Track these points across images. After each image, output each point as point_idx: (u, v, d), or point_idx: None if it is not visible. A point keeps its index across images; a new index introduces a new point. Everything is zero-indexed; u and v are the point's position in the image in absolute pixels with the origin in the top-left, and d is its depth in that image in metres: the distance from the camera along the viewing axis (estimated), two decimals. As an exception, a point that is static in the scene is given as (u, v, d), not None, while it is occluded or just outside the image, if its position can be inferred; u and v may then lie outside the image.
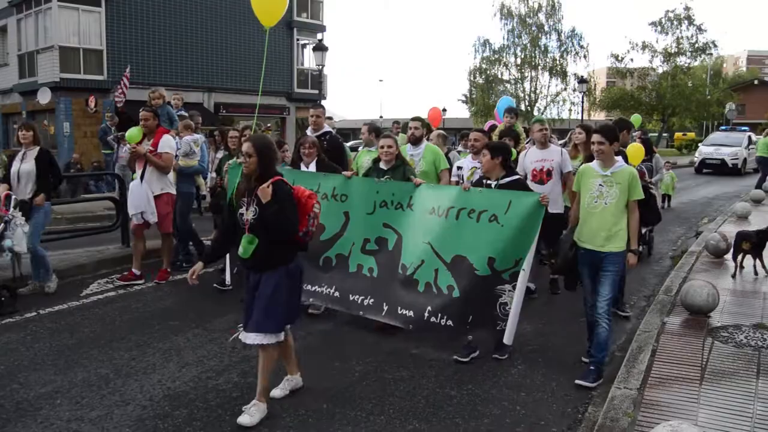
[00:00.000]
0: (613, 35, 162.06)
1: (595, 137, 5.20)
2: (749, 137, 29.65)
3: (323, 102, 28.15)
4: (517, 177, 5.98)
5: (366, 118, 25.05)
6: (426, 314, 5.72)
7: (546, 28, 45.06)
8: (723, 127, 35.36)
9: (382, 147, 6.47)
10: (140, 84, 23.73)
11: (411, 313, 5.81)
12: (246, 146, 4.40)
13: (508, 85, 46.24)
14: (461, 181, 7.07)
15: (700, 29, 43.07)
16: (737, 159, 28.19)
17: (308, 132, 8.13)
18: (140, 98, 22.47)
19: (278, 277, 4.31)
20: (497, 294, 5.49)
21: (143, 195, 7.91)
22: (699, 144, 34.28)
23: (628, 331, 6.52)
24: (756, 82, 60.51)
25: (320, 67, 25.32)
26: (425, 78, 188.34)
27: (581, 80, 37.45)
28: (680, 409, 4.40)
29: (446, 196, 6.00)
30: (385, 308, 5.97)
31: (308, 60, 32.25)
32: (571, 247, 5.41)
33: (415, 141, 7.48)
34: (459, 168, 7.49)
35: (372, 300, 6.08)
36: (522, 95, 45.69)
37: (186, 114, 11.74)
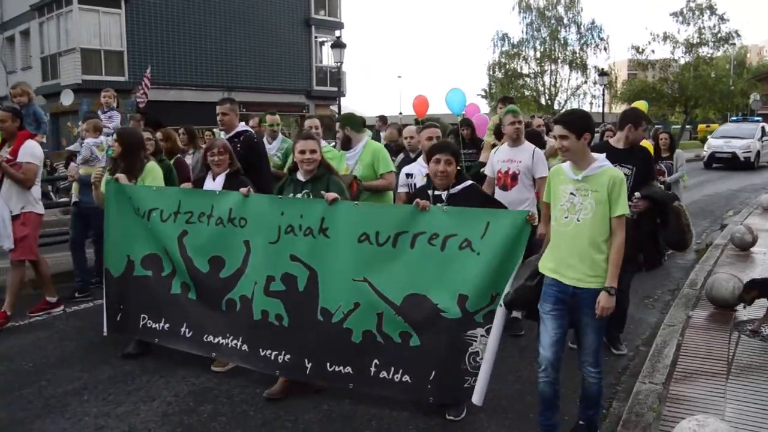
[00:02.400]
0: (634, 27, 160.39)
1: (556, 129, 3.88)
2: (763, 128, 27.77)
3: (342, 99, 28.21)
4: (470, 183, 4.70)
5: (385, 114, 25.10)
6: (372, 369, 4.48)
7: (565, 20, 44.72)
8: (734, 118, 33.54)
9: (303, 152, 4.90)
10: (161, 84, 24.05)
11: (349, 370, 4.55)
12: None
13: (527, 79, 45.97)
14: (411, 191, 5.60)
15: (722, 19, 42.38)
16: (750, 152, 26.11)
17: (221, 134, 6.70)
18: (161, 98, 22.93)
19: None
20: (467, 341, 4.29)
21: None
22: (708, 136, 31.72)
23: (653, 325, 6.46)
24: (781, 71, 59.46)
25: (339, 64, 25.35)
26: (444, 73, 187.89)
27: (602, 73, 37.13)
28: (706, 403, 4.36)
29: (390, 217, 4.57)
30: (309, 366, 4.65)
31: (327, 57, 32.31)
32: (534, 274, 4.04)
33: (345, 143, 6.23)
34: (408, 175, 5.99)
35: (288, 357, 4.73)
36: (542, 89, 45.42)
37: (117, 113, 10.42)
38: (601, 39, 44.86)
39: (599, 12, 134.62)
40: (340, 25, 33.17)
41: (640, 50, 43.92)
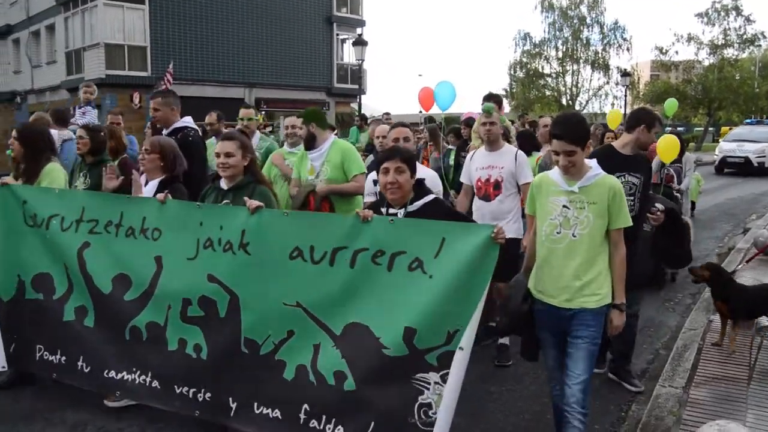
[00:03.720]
0: (658, 27, 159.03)
1: (559, 145, 3.40)
2: None
3: (363, 97, 28.23)
4: (432, 198, 3.84)
5: (405, 113, 24.93)
6: (302, 415, 3.68)
7: (588, 20, 44.45)
8: (748, 120, 31.30)
9: (218, 155, 4.23)
10: (183, 80, 24.21)
11: (278, 414, 3.76)
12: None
13: (549, 79, 45.76)
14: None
15: (748, 20, 41.93)
16: (764, 157, 24.15)
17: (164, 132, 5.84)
18: (183, 94, 23.02)
19: None
20: (416, 387, 3.42)
21: None
22: (720, 140, 29.47)
23: (673, 328, 6.41)
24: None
25: (360, 61, 25.36)
26: (465, 72, 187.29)
27: (624, 73, 36.85)
28: (727, 408, 4.32)
29: (327, 229, 3.75)
30: (234, 407, 3.88)
31: (348, 55, 32.33)
32: (525, 297, 3.63)
33: (309, 142, 5.44)
34: (376, 182, 4.81)
35: (209, 395, 3.96)
36: (563, 89, 45.18)
37: (92, 109, 9.69)
38: (624, 39, 44.59)
39: (623, 12, 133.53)
40: (361, 23, 33.17)
41: (664, 51, 43.57)
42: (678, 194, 8.25)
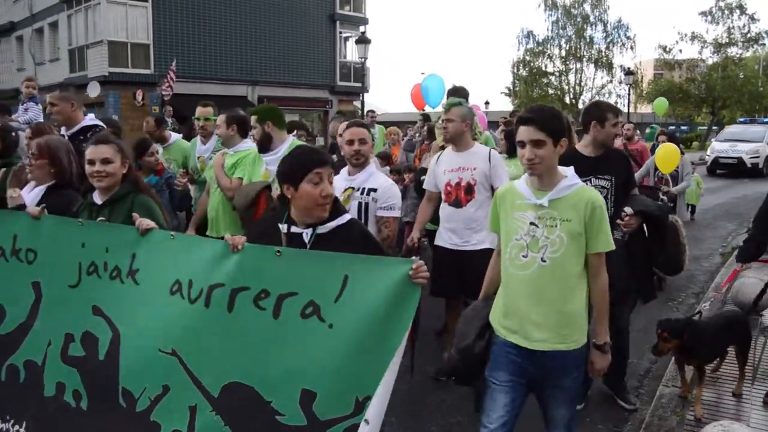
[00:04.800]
0: (661, 26, 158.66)
1: (526, 132, 2.82)
2: None
3: (366, 95, 28.22)
4: (348, 219, 3.04)
5: (408, 111, 24.90)
6: None
7: (591, 18, 44.37)
8: (741, 119, 30.25)
9: (91, 162, 3.42)
10: (186, 78, 24.23)
11: None
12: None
13: (552, 78, 45.69)
14: None
15: (752, 18, 41.96)
16: (758, 157, 23.10)
17: (62, 130, 5.24)
18: (186, 92, 23.11)
19: None
20: None
21: None
22: (713, 140, 28.28)
23: (676, 328, 6.38)
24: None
25: (363, 59, 25.34)
26: (468, 70, 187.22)
27: (628, 72, 36.76)
28: (731, 408, 4.31)
29: (204, 259, 2.88)
30: None
31: (351, 53, 32.30)
32: (482, 332, 3.01)
33: (263, 143, 4.83)
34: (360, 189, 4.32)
35: None
36: (566, 88, 45.10)
37: (35, 105, 8.91)
38: (628, 38, 44.49)
39: (626, 10, 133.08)
40: (364, 21, 33.15)
41: (668, 49, 43.55)
42: (664, 197, 7.64)
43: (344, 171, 4.31)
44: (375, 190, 4.14)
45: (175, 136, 6.98)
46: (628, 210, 4.13)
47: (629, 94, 38.21)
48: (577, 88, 45.20)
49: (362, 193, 4.19)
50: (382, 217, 4.16)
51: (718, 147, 24.15)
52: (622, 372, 4.64)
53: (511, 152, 5.99)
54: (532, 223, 2.83)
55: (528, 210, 2.85)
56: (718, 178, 21.59)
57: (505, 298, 2.96)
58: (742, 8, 41.74)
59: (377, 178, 4.21)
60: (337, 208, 3.02)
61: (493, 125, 11.66)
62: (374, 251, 2.90)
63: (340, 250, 2.75)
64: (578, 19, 44.25)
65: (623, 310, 4.35)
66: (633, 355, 5.44)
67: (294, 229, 2.93)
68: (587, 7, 44.23)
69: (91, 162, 3.42)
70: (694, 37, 42.69)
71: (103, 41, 24.73)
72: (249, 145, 5.19)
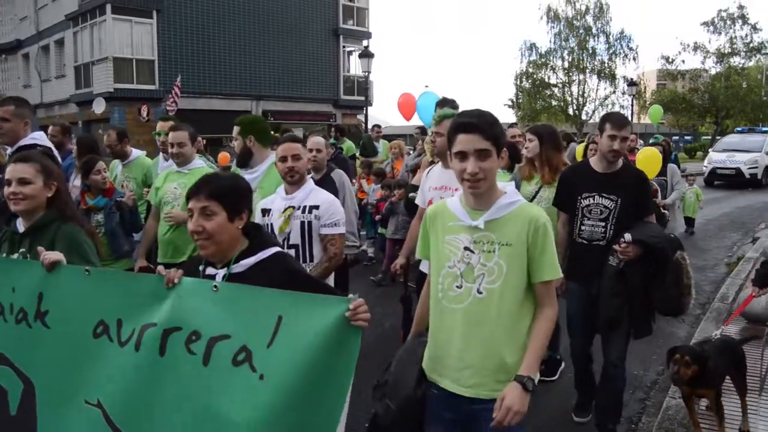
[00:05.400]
0: (664, 36, 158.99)
1: (467, 140, 2.38)
2: None
3: (369, 108, 28.31)
4: (274, 252, 2.60)
5: (412, 123, 25.10)
6: None
7: (594, 30, 44.41)
8: (739, 129, 29.51)
9: (8, 182, 3.05)
10: (191, 93, 24.38)
11: None
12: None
13: (555, 89, 45.75)
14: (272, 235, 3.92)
15: (755, 28, 42.02)
16: (756, 167, 22.35)
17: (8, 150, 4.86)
18: (191, 107, 23.24)
19: None
20: None
21: None
22: (710, 150, 27.55)
23: (683, 339, 6.37)
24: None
25: (366, 73, 25.46)
26: (471, 83, 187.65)
27: (631, 83, 36.81)
28: (739, 420, 4.29)
29: (134, 296, 2.52)
30: None
31: (354, 67, 32.45)
32: (420, 379, 2.61)
33: (243, 158, 4.59)
34: (265, 212, 4.01)
35: None
36: (570, 99, 45.14)
37: None
38: (631, 49, 44.49)
39: (628, 21, 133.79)
40: (368, 35, 33.32)
41: (670, 60, 43.63)
42: (665, 211, 7.51)
43: (281, 190, 3.98)
44: (317, 207, 3.90)
45: (136, 153, 6.37)
46: (626, 237, 3.84)
47: (632, 105, 38.23)
48: (581, 99, 45.20)
49: (303, 212, 3.90)
50: (327, 235, 3.91)
51: (715, 157, 23.35)
52: (614, 413, 4.21)
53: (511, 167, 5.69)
54: (466, 249, 2.44)
55: (462, 233, 2.46)
56: (717, 189, 21.31)
57: (436, 336, 2.54)
58: (744, 18, 41.84)
59: (318, 194, 3.98)
60: (261, 240, 2.59)
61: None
62: (312, 287, 2.47)
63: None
64: (581, 31, 44.32)
65: (615, 340, 4.06)
66: (638, 366, 5.45)
67: (210, 270, 2.52)
68: (589, 19, 44.32)
69: (8, 182, 3.04)
70: (696, 48, 42.79)
71: (109, 58, 24.93)
72: (200, 162, 4.94)
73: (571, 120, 41.20)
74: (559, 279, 2.51)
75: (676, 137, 48.66)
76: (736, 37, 42.29)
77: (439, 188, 4.35)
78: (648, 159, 7.23)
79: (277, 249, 2.65)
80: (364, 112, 27.88)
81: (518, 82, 46.44)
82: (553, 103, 45.18)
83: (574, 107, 44.57)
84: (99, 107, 21.76)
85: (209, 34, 26.89)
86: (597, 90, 45.87)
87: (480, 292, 2.41)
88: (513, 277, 2.40)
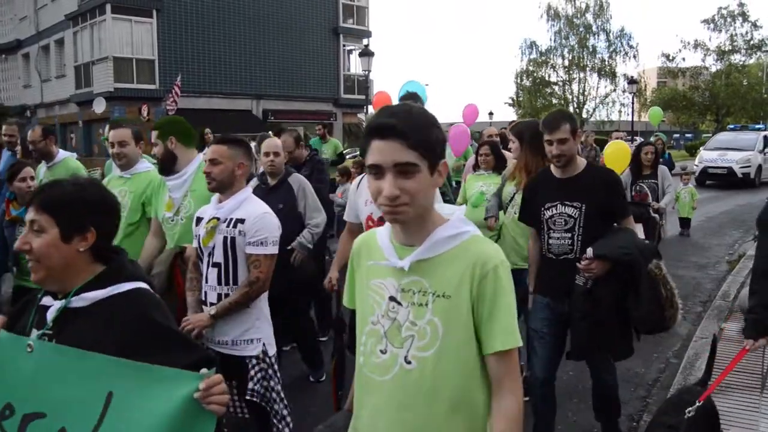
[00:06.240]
0: (664, 34, 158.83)
1: (389, 149, 1.63)
2: (765, 138, 22.70)
3: (370, 107, 28.31)
4: (129, 288, 1.96)
5: (412, 122, 25.07)
6: None
7: (594, 28, 44.47)
8: (731, 126, 28.41)
9: None
10: (191, 92, 24.38)
11: None
12: None
13: (555, 87, 45.78)
14: (200, 258, 3.46)
15: (755, 26, 41.99)
16: (749, 167, 21.22)
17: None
18: (191, 106, 23.23)
19: None
20: None
21: None
22: (701, 148, 26.27)
23: (684, 337, 6.36)
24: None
25: (366, 72, 25.45)
26: (471, 81, 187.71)
27: (631, 81, 36.78)
28: (740, 418, 4.29)
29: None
30: None
31: (354, 65, 32.45)
32: None
33: (166, 164, 4.01)
34: (199, 221, 3.48)
35: None
36: (570, 97, 45.17)
37: None
38: (631, 47, 44.57)
39: (629, 19, 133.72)
40: (368, 34, 33.30)
41: (671, 58, 43.61)
42: (656, 215, 7.02)
43: (215, 198, 3.46)
44: (243, 221, 3.30)
45: (63, 154, 5.61)
46: (588, 252, 3.38)
47: (633, 103, 38.23)
48: (581, 97, 45.26)
49: (228, 225, 3.32)
50: (251, 255, 3.30)
51: (706, 156, 22.12)
52: (611, 415, 3.95)
53: (498, 167, 5.42)
54: (392, 299, 1.75)
55: (388, 276, 1.77)
56: (708, 189, 20.43)
57: (358, 417, 1.88)
58: (744, 15, 41.80)
59: (248, 205, 3.37)
60: (118, 271, 1.99)
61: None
62: (151, 349, 1.83)
63: (96, 338, 1.82)
64: (581, 29, 44.35)
65: (596, 363, 3.78)
66: (640, 364, 5.44)
67: (46, 300, 1.97)
68: (589, 17, 44.37)
69: None
70: (697, 45, 42.75)
71: (109, 57, 24.94)
72: (146, 165, 4.34)
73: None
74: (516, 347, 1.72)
75: (677, 135, 48.66)
76: (736, 34, 42.27)
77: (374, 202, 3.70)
78: (615, 153, 6.88)
79: (137, 285, 2.00)
80: (365, 111, 27.90)
81: (519, 81, 46.51)
82: (554, 101, 45.19)
83: (575, 105, 44.59)
84: (99, 107, 21.73)
85: (209, 33, 26.90)
86: (597, 88, 46.00)
87: (408, 362, 1.71)
88: (453, 342, 1.69)
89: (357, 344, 1.87)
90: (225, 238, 3.32)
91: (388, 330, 1.76)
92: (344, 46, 32.30)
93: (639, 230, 5.52)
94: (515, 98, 47.55)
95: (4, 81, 34.63)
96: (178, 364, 1.79)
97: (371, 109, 30.32)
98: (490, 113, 41.18)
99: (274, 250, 3.38)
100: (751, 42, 42.29)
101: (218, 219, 3.34)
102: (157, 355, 1.79)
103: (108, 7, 24.82)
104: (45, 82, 31.16)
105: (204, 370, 1.76)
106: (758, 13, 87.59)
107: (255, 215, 3.35)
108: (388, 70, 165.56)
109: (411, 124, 1.64)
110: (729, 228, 13.33)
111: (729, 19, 42.14)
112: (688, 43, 43.02)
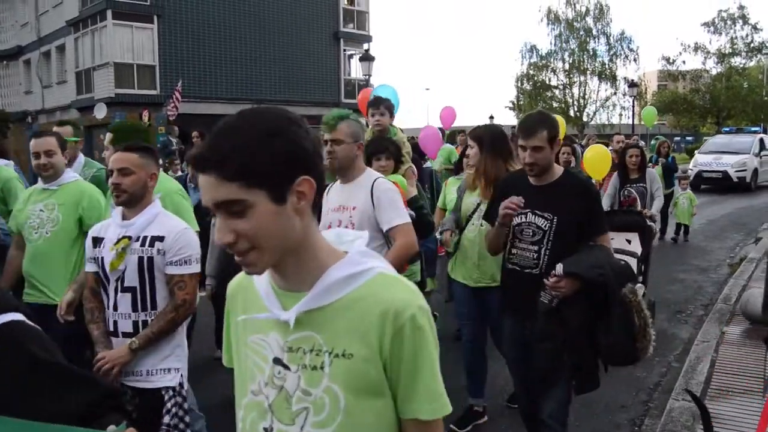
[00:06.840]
0: (665, 37, 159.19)
1: (207, 187, 1.25)
2: (761, 141, 22.34)
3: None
4: (8, 319, 1.66)
5: (413, 126, 25.10)
6: None
7: (594, 32, 44.45)
8: (726, 129, 28.07)
9: None
10: (192, 98, 24.42)
11: None
12: None
13: (556, 91, 45.80)
14: (102, 283, 3.06)
15: (755, 28, 42.02)
16: (745, 170, 20.85)
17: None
18: (192, 111, 23.27)
19: None
20: None
21: None
22: (695, 151, 25.81)
23: (685, 340, 6.36)
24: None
25: (367, 77, 25.49)
26: (472, 85, 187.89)
27: (632, 84, 36.82)
28: (742, 422, 4.28)
29: None
30: None
31: (355, 70, 32.50)
32: None
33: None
34: (97, 241, 3.09)
35: None
36: (570, 101, 45.17)
37: None
38: (631, 50, 44.52)
39: (629, 23, 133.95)
40: (368, 38, 33.34)
41: (671, 61, 43.66)
42: (652, 222, 6.61)
43: (116, 214, 3.06)
44: (161, 239, 2.96)
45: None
46: (558, 268, 3.07)
47: (633, 106, 38.26)
48: (582, 101, 45.23)
49: (143, 244, 2.97)
50: (174, 276, 2.98)
51: (701, 159, 21.64)
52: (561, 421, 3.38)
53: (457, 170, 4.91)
54: (277, 361, 1.37)
55: (270, 331, 1.38)
56: (705, 194, 20.02)
57: None
58: (744, 18, 41.85)
59: (164, 221, 3.05)
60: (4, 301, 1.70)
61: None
62: (38, 390, 1.56)
63: None
64: (581, 33, 44.36)
65: (550, 392, 3.30)
66: (642, 368, 5.43)
67: None
68: (590, 21, 44.36)
69: None
70: (697, 48, 42.77)
71: (110, 63, 24.98)
72: (73, 175, 4.05)
73: (572, 122, 41.18)
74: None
75: (678, 138, 48.64)
76: (736, 37, 42.31)
77: (337, 209, 3.50)
78: (594, 158, 6.56)
79: (10, 317, 1.65)
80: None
81: (519, 85, 46.49)
82: (554, 104, 45.20)
83: (575, 109, 44.59)
84: (100, 113, 21.79)
85: (210, 38, 26.94)
86: (598, 91, 45.93)
87: None
88: (359, 415, 1.32)
89: (237, 418, 1.45)
90: (140, 258, 2.95)
91: (274, 402, 1.35)
92: (345, 50, 32.34)
93: (635, 240, 5.51)
94: (516, 102, 47.52)
95: (5, 87, 34.67)
96: (75, 403, 1.47)
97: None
98: (491, 117, 41.07)
99: (197, 268, 3.06)
100: (752, 45, 42.33)
101: (130, 238, 2.96)
102: (45, 396, 1.46)
103: (109, 13, 24.87)
104: (46, 88, 31.20)
105: (112, 427, 1.48)
106: (758, 15, 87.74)
107: (175, 232, 3.00)
108: (389, 74, 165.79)
109: (227, 149, 1.25)
110: (730, 231, 13.33)
111: (729, 22, 42.20)
112: (689, 46, 43.07)
